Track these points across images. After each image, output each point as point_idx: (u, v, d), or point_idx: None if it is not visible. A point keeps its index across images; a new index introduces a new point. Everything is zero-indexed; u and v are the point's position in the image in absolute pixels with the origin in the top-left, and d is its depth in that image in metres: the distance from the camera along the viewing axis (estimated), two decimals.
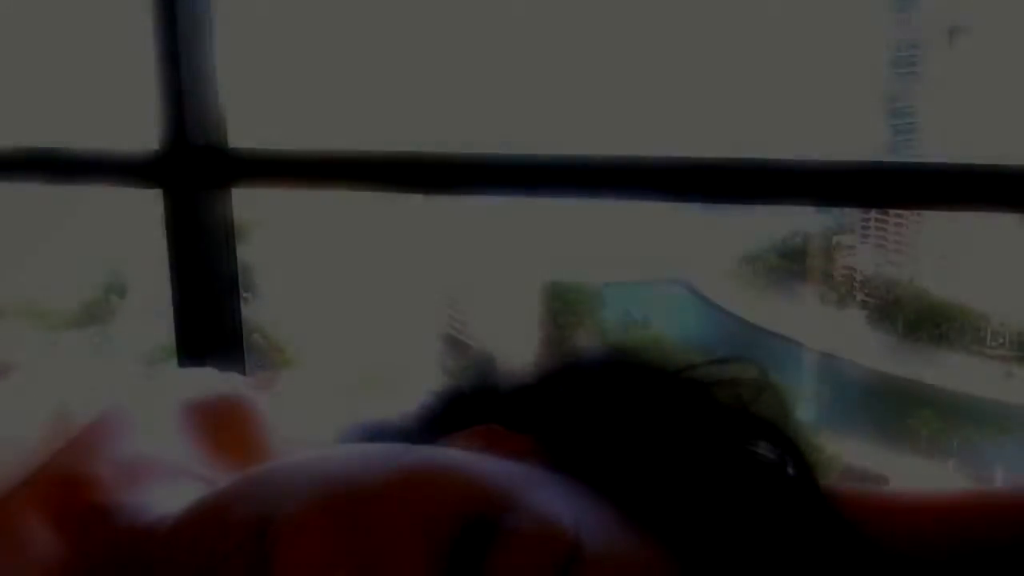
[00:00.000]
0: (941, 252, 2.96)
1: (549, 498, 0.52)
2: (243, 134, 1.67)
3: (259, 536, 0.49)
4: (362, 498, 0.51)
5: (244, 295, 1.76)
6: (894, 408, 3.08)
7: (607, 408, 0.61)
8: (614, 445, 0.59)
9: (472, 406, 0.65)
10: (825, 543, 0.56)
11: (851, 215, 3.03)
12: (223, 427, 0.69)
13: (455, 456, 0.55)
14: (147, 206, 1.75)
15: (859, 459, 2.91)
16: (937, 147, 2.87)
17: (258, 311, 3.15)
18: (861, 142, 2.85)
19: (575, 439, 0.60)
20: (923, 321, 2.97)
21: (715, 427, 0.60)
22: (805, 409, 3.05)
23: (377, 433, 0.65)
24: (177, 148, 1.59)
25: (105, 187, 2.00)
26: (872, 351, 3.06)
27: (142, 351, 3.06)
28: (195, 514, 0.53)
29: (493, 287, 3.26)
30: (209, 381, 0.76)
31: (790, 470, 0.58)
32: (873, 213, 2.95)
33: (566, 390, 0.63)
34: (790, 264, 3.18)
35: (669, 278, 3.35)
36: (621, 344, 0.68)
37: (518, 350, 3.15)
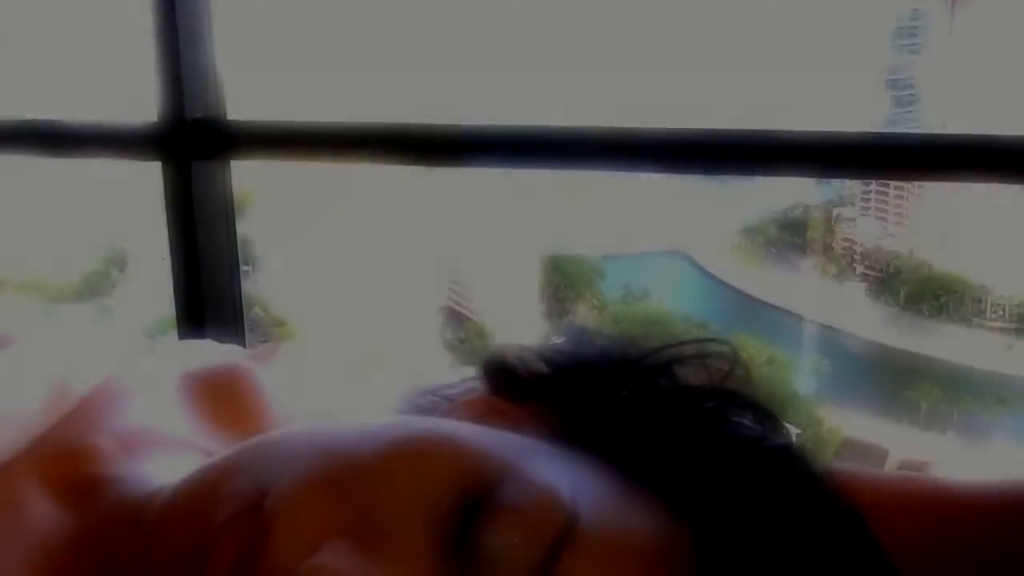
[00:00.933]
0: (942, 224, 2.96)
1: (546, 470, 0.52)
2: (242, 107, 1.67)
3: (255, 508, 0.49)
4: (358, 471, 0.51)
5: (244, 268, 1.76)
6: (894, 380, 3.09)
7: (615, 374, 0.61)
8: (622, 411, 0.58)
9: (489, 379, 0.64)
10: (825, 515, 0.55)
11: (851, 187, 3.03)
12: (222, 398, 0.69)
13: (452, 428, 0.55)
14: (147, 179, 1.75)
15: (859, 431, 2.91)
16: (938, 118, 2.87)
17: (258, 285, 3.16)
18: (862, 114, 2.84)
19: (582, 405, 0.60)
20: (923, 293, 2.97)
21: (720, 396, 0.60)
22: (805, 381, 3.06)
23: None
24: (176, 120, 1.58)
25: (104, 159, 2.00)
26: (872, 323, 3.06)
27: (142, 324, 3.07)
28: (192, 486, 0.53)
29: (493, 260, 3.26)
30: (209, 353, 0.76)
31: (791, 446, 0.58)
32: (873, 185, 2.94)
33: (574, 361, 0.63)
34: (790, 236, 3.18)
35: (669, 250, 3.35)
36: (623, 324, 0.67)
37: (519, 322, 3.15)
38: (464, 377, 0.66)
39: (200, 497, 0.52)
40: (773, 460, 0.56)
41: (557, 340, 0.66)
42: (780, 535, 0.53)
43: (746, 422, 0.58)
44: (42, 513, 0.58)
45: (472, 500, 0.49)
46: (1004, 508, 0.64)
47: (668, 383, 0.60)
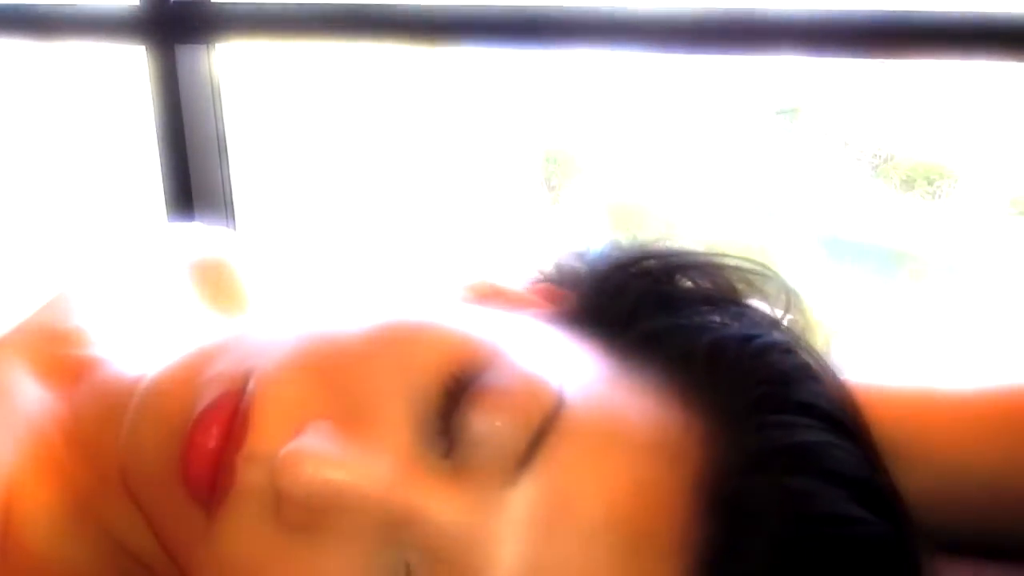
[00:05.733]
0: (935, 109, 2.95)
1: (535, 354, 0.51)
2: None
3: (238, 391, 0.49)
4: (342, 355, 0.51)
5: (232, 153, 1.75)
6: (886, 266, 3.10)
7: (631, 261, 0.60)
8: (632, 293, 0.58)
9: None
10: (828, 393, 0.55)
11: (844, 70, 3.00)
12: (211, 283, 0.69)
13: (439, 312, 0.54)
14: (133, 64, 1.73)
15: (850, 319, 2.93)
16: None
17: (246, 170, 3.13)
18: None
19: (592, 285, 0.59)
20: (915, 179, 2.97)
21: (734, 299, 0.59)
22: (798, 269, 3.07)
23: None
24: (158, 3, 1.56)
25: (86, 43, 1.97)
26: (865, 209, 3.06)
27: (130, 209, 3.06)
28: (175, 370, 0.53)
29: (489, 150, 3.25)
30: (197, 237, 0.76)
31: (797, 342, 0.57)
32: (866, 67, 2.92)
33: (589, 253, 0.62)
34: (783, 121, 3.16)
35: (662, 138, 3.33)
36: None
37: (514, 214, 3.14)
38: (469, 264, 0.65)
39: (183, 381, 0.52)
40: (779, 354, 0.56)
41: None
42: (782, 432, 0.52)
43: (755, 318, 0.58)
44: (28, 393, 0.58)
45: (457, 384, 0.49)
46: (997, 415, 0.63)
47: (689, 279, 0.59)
